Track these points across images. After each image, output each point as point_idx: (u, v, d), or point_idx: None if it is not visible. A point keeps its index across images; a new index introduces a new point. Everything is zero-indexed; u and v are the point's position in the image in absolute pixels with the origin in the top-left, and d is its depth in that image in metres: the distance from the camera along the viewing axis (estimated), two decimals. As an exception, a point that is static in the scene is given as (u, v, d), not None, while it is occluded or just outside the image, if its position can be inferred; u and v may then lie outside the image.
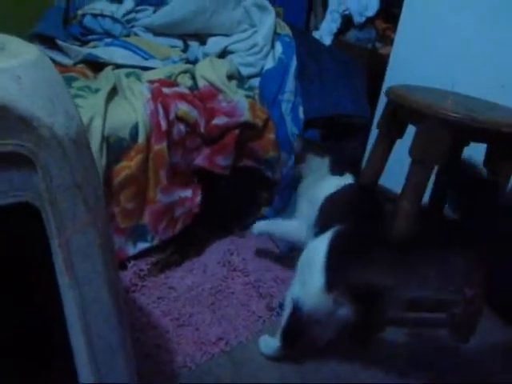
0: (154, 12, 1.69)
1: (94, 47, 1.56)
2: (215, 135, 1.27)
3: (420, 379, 1.09)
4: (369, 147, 1.77)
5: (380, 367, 1.10)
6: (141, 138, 1.18)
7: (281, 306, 1.24)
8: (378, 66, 2.08)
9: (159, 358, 1.04)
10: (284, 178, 1.47)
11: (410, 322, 1.24)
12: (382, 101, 1.95)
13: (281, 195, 1.49)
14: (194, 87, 1.33)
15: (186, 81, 1.35)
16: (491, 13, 1.52)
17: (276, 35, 1.58)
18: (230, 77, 1.36)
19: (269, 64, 1.51)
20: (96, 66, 1.44)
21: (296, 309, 1.01)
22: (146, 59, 1.56)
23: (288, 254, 1.44)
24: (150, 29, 1.67)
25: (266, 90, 1.42)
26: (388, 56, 2.07)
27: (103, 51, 1.51)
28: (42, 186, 0.46)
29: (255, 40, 1.55)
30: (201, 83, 1.31)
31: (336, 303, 0.96)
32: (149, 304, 1.19)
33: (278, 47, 1.53)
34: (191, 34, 1.70)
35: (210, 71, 1.33)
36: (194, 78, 1.36)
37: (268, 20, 1.55)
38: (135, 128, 1.18)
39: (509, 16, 1.47)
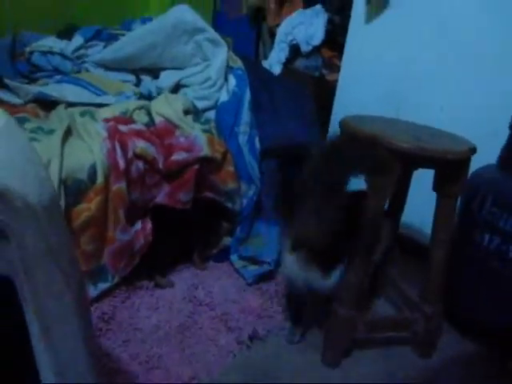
0: (105, 47, 1.68)
1: (44, 85, 1.53)
2: (174, 171, 1.27)
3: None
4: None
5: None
6: (99, 179, 1.16)
7: (250, 338, 1.24)
8: (325, 92, 2.18)
9: (130, 406, 1.01)
10: (245, 208, 1.49)
11: (376, 343, 1.28)
12: (333, 126, 2.04)
13: (242, 225, 1.50)
14: (151, 123, 1.33)
15: (141, 117, 1.35)
16: (432, 38, 1.63)
17: (229, 68, 1.61)
18: (186, 112, 1.37)
19: (223, 97, 1.53)
20: (47, 104, 1.41)
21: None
22: (99, 95, 1.54)
23: (255, 284, 1.46)
24: (100, 64, 1.66)
25: (222, 123, 1.44)
26: (334, 82, 2.17)
27: (54, 89, 1.48)
28: (16, 256, 0.45)
29: (208, 74, 1.57)
30: (157, 119, 1.31)
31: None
32: (115, 348, 1.15)
33: (232, 80, 1.57)
34: (143, 68, 1.71)
35: (166, 107, 1.34)
36: (149, 114, 1.36)
37: (220, 54, 1.59)
38: (93, 169, 1.16)
39: (449, 41, 1.58)
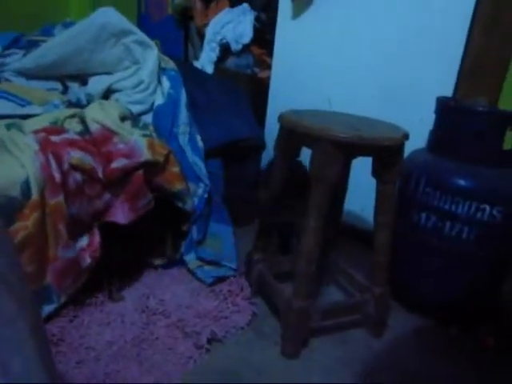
0: (25, 55, 1.58)
1: (-41, 98, 1.41)
2: (116, 178, 1.22)
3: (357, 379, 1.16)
4: (263, 163, 1.86)
5: (319, 375, 1.16)
6: (34, 195, 1.09)
7: (209, 341, 1.23)
8: (258, 89, 2.20)
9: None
10: (197, 206, 1.46)
11: (330, 329, 1.32)
12: (269, 122, 2.07)
13: (198, 226, 1.47)
14: (85, 132, 1.27)
15: (74, 126, 1.28)
16: (358, 30, 1.70)
17: (161, 70, 1.57)
18: (122, 118, 1.32)
19: (158, 100, 1.50)
20: (-35, 119, 1.30)
21: None
22: (23, 106, 1.45)
23: (212, 284, 1.44)
24: (21, 73, 1.56)
25: (160, 126, 1.41)
26: (266, 79, 2.20)
27: (-29, 102, 1.37)
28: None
29: (140, 77, 1.53)
30: (93, 127, 1.25)
31: None
32: (68, 371, 1.09)
33: (166, 82, 1.53)
34: (69, 75, 1.62)
35: (102, 114, 1.29)
36: (83, 122, 1.29)
37: (151, 56, 1.55)
38: (26, 184, 1.08)
39: (374, 31, 1.66)
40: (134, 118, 1.37)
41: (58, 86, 1.63)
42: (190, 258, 1.47)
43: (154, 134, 1.31)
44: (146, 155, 1.25)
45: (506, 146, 1.28)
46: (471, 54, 1.50)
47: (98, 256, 1.24)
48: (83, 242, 1.22)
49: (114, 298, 1.34)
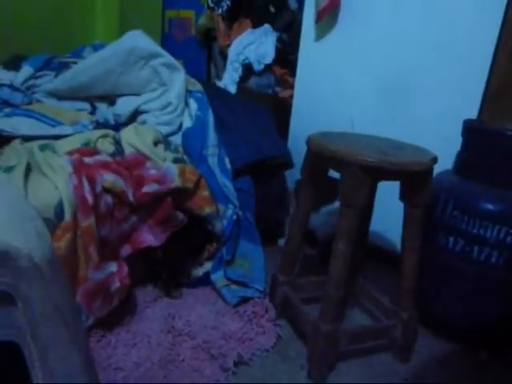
0: (56, 76, 1.62)
1: (-7, 120, 1.45)
2: (146, 202, 1.24)
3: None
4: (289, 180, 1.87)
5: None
6: (67, 216, 1.11)
7: (235, 364, 1.22)
8: (279, 108, 2.23)
9: None
10: (226, 228, 1.46)
11: (357, 353, 1.30)
12: (292, 140, 2.08)
13: (227, 247, 1.47)
14: (117, 153, 1.29)
15: (106, 146, 1.31)
16: (380, 51, 1.71)
17: (188, 92, 1.60)
18: (156, 143, 1.34)
19: (187, 122, 1.52)
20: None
21: None
22: (54, 126, 1.48)
23: (237, 305, 1.44)
24: (52, 94, 1.60)
25: (190, 149, 1.43)
26: (288, 99, 2.22)
27: (5, 123, 1.40)
28: (23, 319, 0.42)
29: (168, 99, 1.56)
30: (127, 150, 1.27)
31: None
32: (97, 392, 1.09)
33: (193, 104, 1.56)
34: (98, 96, 1.66)
35: (137, 138, 1.31)
36: (116, 143, 1.32)
37: (179, 78, 1.58)
38: (60, 206, 1.11)
39: (397, 52, 1.67)
40: (166, 142, 1.39)
41: (87, 106, 1.67)
42: (217, 277, 1.48)
43: (185, 157, 1.33)
44: (176, 182, 1.26)
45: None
46: (496, 78, 1.50)
47: (128, 283, 1.25)
48: (112, 267, 1.23)
49: (173, 295, 1.35)
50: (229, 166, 1.49)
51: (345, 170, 1.09)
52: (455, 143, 1.41)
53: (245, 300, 1.47)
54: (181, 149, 1.38)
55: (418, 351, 1.34)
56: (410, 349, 1.32)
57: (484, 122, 1.46)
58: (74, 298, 0.47)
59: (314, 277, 1.49)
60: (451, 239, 1.32)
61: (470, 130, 1.37)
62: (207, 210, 1.37)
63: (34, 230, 0.44)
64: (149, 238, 1.25)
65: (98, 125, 1.60)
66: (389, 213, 1.44)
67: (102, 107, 1.67)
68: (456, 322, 1.39)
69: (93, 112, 1.68)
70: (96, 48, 1.78)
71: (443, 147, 1.40)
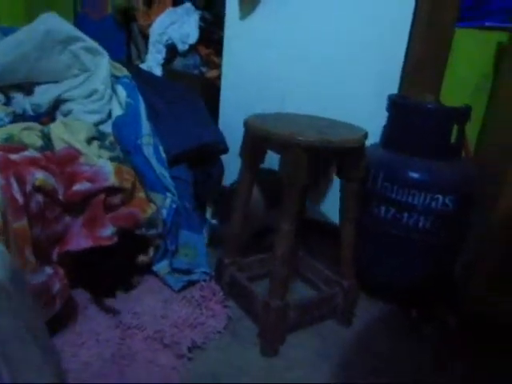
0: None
1: None
2: (76, 202, 1.17)
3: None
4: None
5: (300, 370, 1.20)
6: (-4, 219, 1.03)
7: (189, 349, 1.23)
8: (207, 89, 2.19)
9: None
10: (167, 218, 1.43)
11: (304, 324, 1.37)
12: (222, 125, 2.06)
13: (170, 237, 1.45)
14: (45, 147, 1.20)
15: (33, 140, 1.21)
16: (307, 29, 1.74)
17: (114, 78, 1.52)
18: (89, 140, 1.26)
19: (116, 110, 1.45)
20: None
21: None
22: (-35, 121, 1.35)
23: (182, 290, 1.44)
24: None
25: (123, 138, 1.37)
26: (215, 79, 2.19)
27: None
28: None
29: (93, 85, 1.47)
30: (58, 145, 1.18)
31: None
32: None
33: (121, 91, 1.48)
34: (12, 85, 1.53)
35: (67, 135, 1.22)
36: (45, 137, 1.22)
37: (102, 63, 1.49)
38: (-14, 209, 1.02)
39: (322, 31, 1.71)
40: (101, 137, 1.31)
41: (0, 97, 1.53)
42: (161, 266, 1.46)
43: (121, 155, 1.26)
44: (111, 180, 1.20)
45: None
46: (413, 55, 1.60)
47: (67, 283, 1.19)
48: (48, 270, 1.16)
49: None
50: (163, 155, 1.46)
51: (286, 152, 1.12)
52: (380, 118, 1.49)
53: (192, 285, 1.47)
54: (117, 147, 1.31)
55: (359, 315, 1.43)
56: (352, 313, 1.41)
57: (406, 96, 1.56)
58: (39, 312, 0.45)
59: (256, 255, 1.52)
60: (383, 208, 1.41)
61: (394, 104, 1.46)
62: (149, 210, 1.32)
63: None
64: (72, 241, 1.19)
65: (16, 117, 1.48)
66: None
67: (18, 97, 1.54)
68: (390, 285, 1.51)
69: (7, 103, 1.54)
70: (6, 33, 1.61)
71: (369, 122, 1.48)
